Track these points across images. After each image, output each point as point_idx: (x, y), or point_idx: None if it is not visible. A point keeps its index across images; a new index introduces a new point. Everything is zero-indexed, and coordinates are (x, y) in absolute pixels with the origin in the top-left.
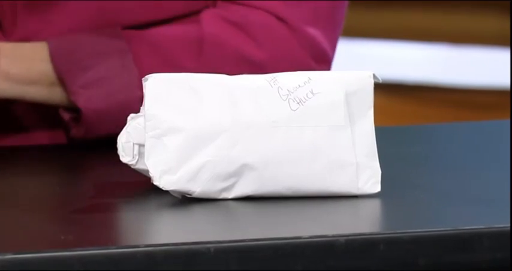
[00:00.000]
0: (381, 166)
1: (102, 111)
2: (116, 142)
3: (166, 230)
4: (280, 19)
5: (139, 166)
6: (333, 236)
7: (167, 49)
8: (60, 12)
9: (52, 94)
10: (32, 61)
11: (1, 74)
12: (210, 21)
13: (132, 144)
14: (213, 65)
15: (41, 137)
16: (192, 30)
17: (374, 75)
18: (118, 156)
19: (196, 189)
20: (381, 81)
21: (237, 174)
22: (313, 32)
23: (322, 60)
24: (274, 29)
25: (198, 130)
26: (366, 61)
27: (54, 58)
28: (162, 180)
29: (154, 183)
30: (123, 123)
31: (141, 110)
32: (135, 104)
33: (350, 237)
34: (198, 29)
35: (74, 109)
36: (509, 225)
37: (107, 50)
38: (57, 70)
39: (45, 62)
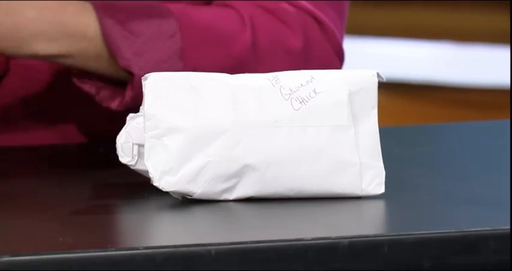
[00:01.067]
0: (385, 167)
1: None
2: (115, 142)
3: (166, 232)
4: (305, 11)
5: (138, 167)
6: (336, 238)
7: (214, 25)
8: None
9: (97, 62)
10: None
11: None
12: (245, 6)
13: (131, 144)
14: (262, 51)
15: (38, 137)
16: (232, 13)
17: (378, 74)
18: (117, 157)
19: (197, 190)
20: (385, 80)
21: (239, 174)
22: (332, 26)
23: (338, 55)
24: (304, 20)
25: (198, 130)
26: (370, 59)
27: (104, 24)
28: (162, 181)
29: (154, 184)
30: None
31: (140, 109)
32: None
33: (354, 239)
34: (237, 12)
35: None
36: None
37: (154, 17)
38: (108, 36)
39: (92, 27)
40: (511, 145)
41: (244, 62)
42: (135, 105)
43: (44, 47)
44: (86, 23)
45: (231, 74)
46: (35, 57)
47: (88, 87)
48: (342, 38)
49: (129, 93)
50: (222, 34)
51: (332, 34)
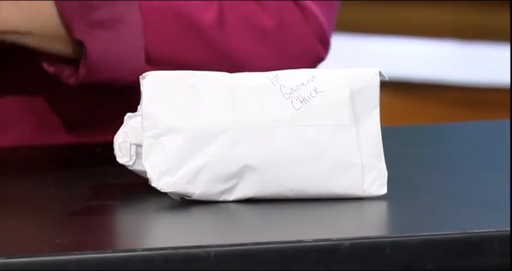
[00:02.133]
0: (387, 168)
1: (106, 53)
2: (112, 142)
3: (165, 233)
4: None
5: (136, 167)
6: (338, 240)
7: (175, 3)
8: None
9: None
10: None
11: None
12: None
13: (129, 144)
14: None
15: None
16: None
17: (380, 72)
18: (114, 157)
19: (196, 191)
20: (387, 79)
21: (238, 175)
22: (316, 10)
23: (322, 42)
24: (281, 2)
25: (197, 130)
26: (372, 58)
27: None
28: (160, 181)
29: (152, 184)
30: (123, 71)
31: (138, 109)
32: (137, 53)
33: (355, 241)
34: None
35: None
36: None
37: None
38: (63, 9)
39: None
40: (511, 146)
41: (210, 37)
42: (91, 81)
43: (1, 23)
44: (41, 0)
45: (196, 48)
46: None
47: (53, 69)
48: (329, 26)
49: (82, 68)
50: (184, 9)
51: (313, 17)
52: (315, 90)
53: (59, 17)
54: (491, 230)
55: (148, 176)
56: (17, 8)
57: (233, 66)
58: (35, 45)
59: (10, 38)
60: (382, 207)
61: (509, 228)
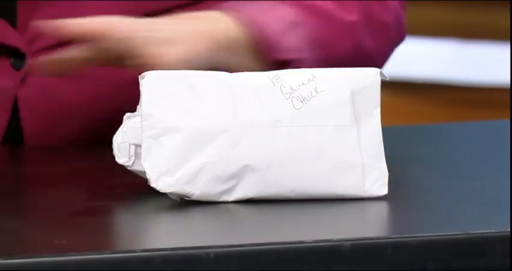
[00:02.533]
0: (388, 168)
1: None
2: (111, 141)
3: (164, 234)
4: None
5: (135, 167)
6: (338, 240)
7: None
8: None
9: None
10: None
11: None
12: None
13: (128, 144)
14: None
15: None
16: None
17: (381, 72)
18: (113, 157)
19: (195, 191)
20: (388, 79)
21: (238, 175)
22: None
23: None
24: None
25: (197, 130)
26: None
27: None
28: (160, 182)
29: (152, 185)
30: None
31: (137, 109)
32: None
33: (356, 242)
34: None
35: None
36: None
37: None
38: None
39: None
40: (511, 146)
41: (354, 31)
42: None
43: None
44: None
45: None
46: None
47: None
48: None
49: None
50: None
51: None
52: (316, 90)
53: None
54: (493, 231)
55: (148, 176)
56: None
57: (364, 61)
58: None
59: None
60: (383, 208)
61: (510, 229)
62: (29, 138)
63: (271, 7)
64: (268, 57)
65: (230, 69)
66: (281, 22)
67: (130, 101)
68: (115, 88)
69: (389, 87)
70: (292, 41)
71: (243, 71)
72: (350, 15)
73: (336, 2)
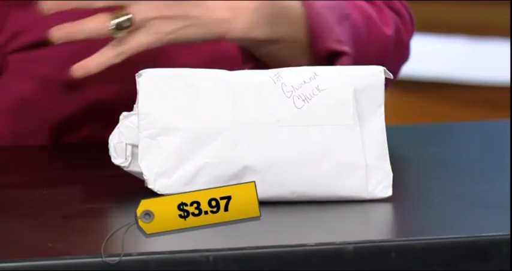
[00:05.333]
0: (392, 169)
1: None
2: (107, 142)
3: (162, 237)
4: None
5: (132, 168)
6: (341, 243)
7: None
8: None
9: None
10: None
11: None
12: None
13: (124, 144)
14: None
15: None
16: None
17: (384, 70)
18: (109, 158)
19: None
20: (392, 77)
21: (238, 177)
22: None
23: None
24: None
25: (196, 129)
26: None
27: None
28: (157, 183)
29: (149, 186)
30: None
31: (134, 108)
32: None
33: (359, 245)
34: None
35: None
36: None
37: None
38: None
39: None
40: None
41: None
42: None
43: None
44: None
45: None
46: (251, 41)
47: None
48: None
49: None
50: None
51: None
52: (318, 89)
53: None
54: (499, 234)
55: (145, 177)
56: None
57: None
58: (277, 51)
59: (263, 45)
60: (386, 210)
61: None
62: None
63: None
64: (319, 44)
65: (271, 45)
66: (336, 12)
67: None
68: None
69: (394, 85)
70: (343, 34)
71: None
72: (389, 29)
73: (374, 8)
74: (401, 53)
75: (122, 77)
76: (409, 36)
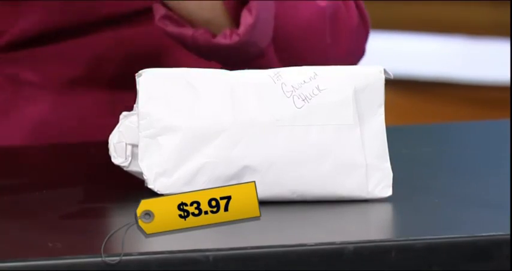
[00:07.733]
0: (392, 169)
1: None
2: (107, 142)
3: (161, 237)
4: None
5: (132, 168)
6: (341, 243)
7: None
8: (31, 5)
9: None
10: None
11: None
12: None
13: (124, 144)
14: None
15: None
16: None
17: (385, 70)
18: (109, 157)
19: None
20: (392, 77)
21: (238, 176)
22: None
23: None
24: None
25: (195, 129)
26: (376, 55)
27: None
28: (157, 183)
29: (149, 186)
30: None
31: (134, 108)
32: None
33: (359, 244)
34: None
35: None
36: None
37: None
38: None
39: None
40: (511, 145)
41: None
42: (244, 41)
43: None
44: None
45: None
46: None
47: (186, 30)
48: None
49: (248, 19)
50: None
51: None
52: (318, 88)
53: None
54: (500, 233)
55: (145, 177)
56: None
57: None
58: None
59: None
60: (387, 210)
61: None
62: None
63: None
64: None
65: None
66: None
67: None
68: None
69: (394, 85)
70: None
71: None
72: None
73: None
74: (343, 37)
75: (122, 77)
76: (353, 22)
